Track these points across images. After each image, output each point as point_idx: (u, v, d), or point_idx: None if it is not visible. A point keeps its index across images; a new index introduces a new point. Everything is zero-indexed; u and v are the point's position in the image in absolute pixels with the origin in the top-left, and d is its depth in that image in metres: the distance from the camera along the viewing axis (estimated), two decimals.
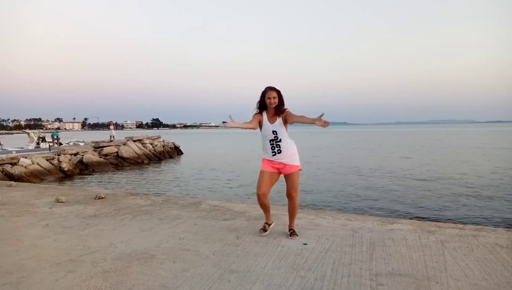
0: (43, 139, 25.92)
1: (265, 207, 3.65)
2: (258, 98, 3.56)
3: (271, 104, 3.45)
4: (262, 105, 3.53)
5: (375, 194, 12.05)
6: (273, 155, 3.50)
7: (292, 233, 3.61)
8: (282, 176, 3.62)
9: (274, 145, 3.49)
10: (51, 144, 24.67)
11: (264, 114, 3.54)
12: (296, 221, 3.80)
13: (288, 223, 3.74)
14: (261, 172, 3.55)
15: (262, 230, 3.71)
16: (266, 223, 3.76)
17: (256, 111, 3.57)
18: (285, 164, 3.49)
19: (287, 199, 3.59)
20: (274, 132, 3.48)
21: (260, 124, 3.55)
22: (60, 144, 25.01)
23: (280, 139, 3.48)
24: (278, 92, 3.47)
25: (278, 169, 3.53)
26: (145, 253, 3.18)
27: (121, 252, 3.23)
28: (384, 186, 13.41)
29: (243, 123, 3.44)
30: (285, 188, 3.56)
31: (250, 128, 3.45)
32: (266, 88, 3.49)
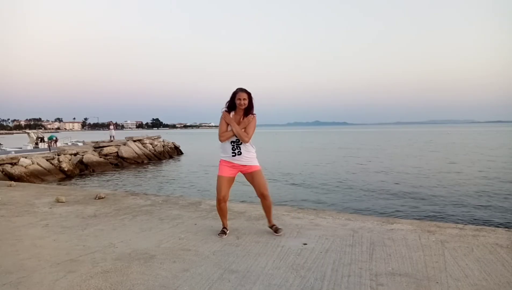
0: (42, 140, 25.89)
1: (223, 212, 3.69)
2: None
3: (240, 105, 3.45)
4: (231, 106, 3.53)
5: (375, 194, 12.05)
6: (233, 156, 3.53)
7: (275, 229, 3.65)
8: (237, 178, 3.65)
9: (235, 147, 3.52)
10: (48, 144, 24.60)
11: (232, 115, 3.53)
12: (296, 221, 3.79)
13: (267, 222, 3.76)
14: (220, 177, 3.56)
15: (222, 233, 3.66)
16: (225, 227, 3.74)
17: (224, 109, 3.56)
18: (245, 165, 3.53)
19: (259, 198, 3.61)
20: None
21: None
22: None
23: (241, 142, 3.50)
24: (249, 94, 3.48)
25: (237, 170, 3.56)
26: (145, 253, 3.18)
27: (121, 252, 3.23)
28: (384, 186, 13.41)
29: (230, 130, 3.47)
30: (255, 189, 3.58)
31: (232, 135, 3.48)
32: (237, 89, 3.50)
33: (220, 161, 3.64)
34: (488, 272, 2.65)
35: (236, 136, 3.47)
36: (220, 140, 3.53)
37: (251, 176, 3.55)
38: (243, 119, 3.50)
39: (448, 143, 41.18)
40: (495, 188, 12.56)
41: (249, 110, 3.50)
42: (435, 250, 3.12)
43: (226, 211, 3.71)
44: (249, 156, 3.54)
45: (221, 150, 3.64)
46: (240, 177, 3.71)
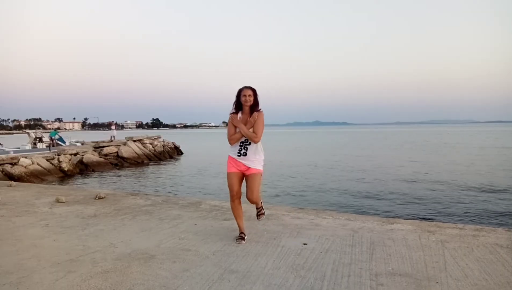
0: (40, 139, 25.90)
1: (238, 211, 3.53)
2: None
3: (246, 102, 3.38)
4: (239, 105, 3.46)
5: (375, 194, 12.04)
6: (238, 156, 3.45)
7: (259, 213, 3.63)
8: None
9: (242, 147, 3.44)
10: (49, 143, 24.59)
11: (240, 115, 3.46)
12: (296, 221, 3.77)
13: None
14: (229, 174, 3.47)
15: (240, 239, 3.49)
16: (242, 232, 3.56)
17: (232, 110, 3.48)
18: (247, 167, 3.43)
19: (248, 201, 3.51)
20: None
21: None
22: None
23: (250, 143, 3.42)
24: (254, 90, 3.42)
25: (241, 170, 3.47)
26: (145, 253, 3.18)
27: (121, 252, 3.23)
28: (384, 186, 13.41)
29: (239, 132, 3.40)
30: (246, 191, 3.48)
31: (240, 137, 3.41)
32: (242, 87, 3.44)
33: (228, 158, 3.55)
34: (488, 272, 2.65)
35: (244, 137, 3.39)
36: (230, 144, 3.45)
37: (248, 177, 3.44)
38: (248, 117, 3.41)
39: (447, 143, 41.19)
40: (495, 188, 12.56)
41: (254, 107, 3.42)
42: (435, 250, 3.13)
43: (242, 211, 3.57)
44: (256, 157, 3.44)
45: (230, 147, 3.56)
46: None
